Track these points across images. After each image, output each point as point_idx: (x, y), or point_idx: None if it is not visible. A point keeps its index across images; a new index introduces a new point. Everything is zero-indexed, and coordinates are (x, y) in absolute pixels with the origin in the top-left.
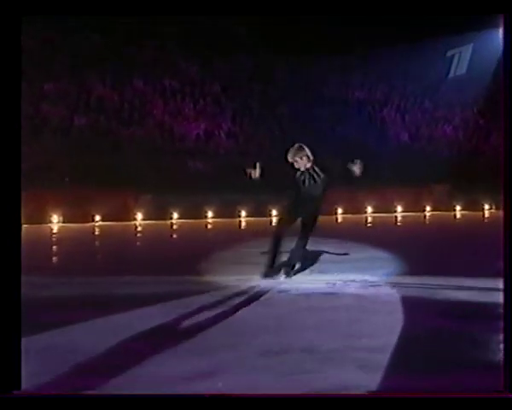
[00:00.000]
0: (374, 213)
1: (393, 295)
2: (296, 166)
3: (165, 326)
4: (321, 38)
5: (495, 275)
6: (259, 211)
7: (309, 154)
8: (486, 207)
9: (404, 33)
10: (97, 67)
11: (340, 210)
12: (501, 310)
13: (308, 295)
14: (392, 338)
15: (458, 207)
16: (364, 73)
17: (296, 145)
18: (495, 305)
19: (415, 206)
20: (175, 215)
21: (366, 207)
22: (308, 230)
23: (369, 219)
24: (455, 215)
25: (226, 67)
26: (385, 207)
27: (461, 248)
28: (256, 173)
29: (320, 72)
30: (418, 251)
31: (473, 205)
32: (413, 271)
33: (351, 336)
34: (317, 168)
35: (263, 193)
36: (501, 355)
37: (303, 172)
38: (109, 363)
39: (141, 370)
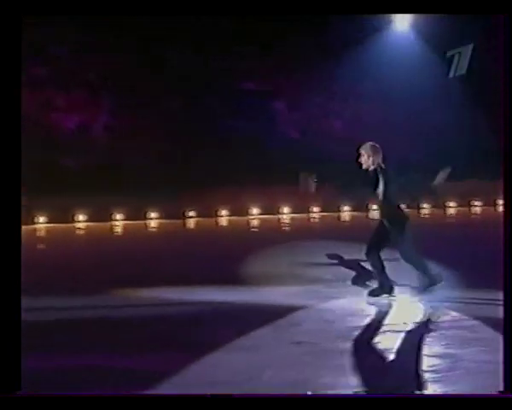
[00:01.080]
0: (260, 214)
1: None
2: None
3: None
4: (215, 28)
5: None
6: (135, 214)
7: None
8: (374, 207)
9: (310, 26)
10: None
11: (224, 211)
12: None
13: None
14: None
15: (346, 208)
16: (257, 63)
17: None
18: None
19: (301, 207)
20: (41, 219)
21: (249, 208)
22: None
23: (256, 223)
24: (339, 217)
25: (105, 54)
26: (272, 207)
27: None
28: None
29: (213, 61)
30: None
31: (359, 205)
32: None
33: None
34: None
35: (139, 195)
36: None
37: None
38: None
39: None
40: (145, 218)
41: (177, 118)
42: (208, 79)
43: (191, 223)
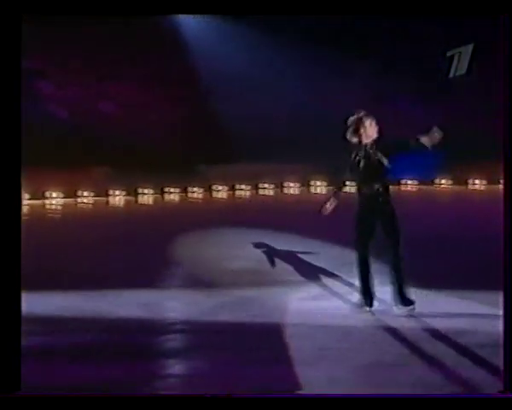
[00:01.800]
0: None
1: None
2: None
3: None
4: None
5: None
6: None
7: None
8: (146, 191)
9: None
10: None
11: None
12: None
13: None
14: None
15: (118, 192)
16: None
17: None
18: None
19: (69, 191)
20: None
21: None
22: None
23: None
24: (108, 202)
25: None
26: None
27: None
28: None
29: None
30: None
31: (131, 192)
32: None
33: None
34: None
35: None
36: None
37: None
38: None
39: None
40: None
41: None
42: None
43: None
